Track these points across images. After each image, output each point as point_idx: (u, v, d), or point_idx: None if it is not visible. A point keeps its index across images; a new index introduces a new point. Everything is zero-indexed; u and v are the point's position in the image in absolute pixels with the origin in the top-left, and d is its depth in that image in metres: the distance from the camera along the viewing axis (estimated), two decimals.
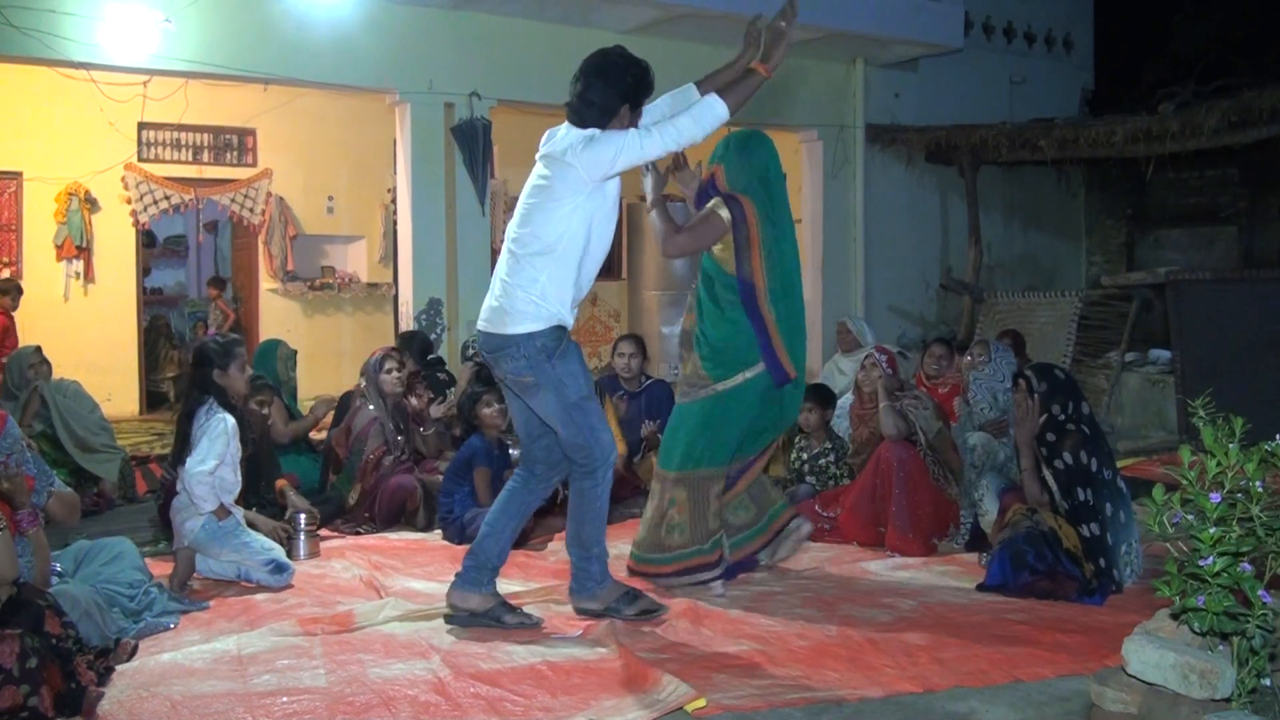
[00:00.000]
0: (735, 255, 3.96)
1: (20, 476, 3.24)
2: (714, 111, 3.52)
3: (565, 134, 3.62)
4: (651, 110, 3.75)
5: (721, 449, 4.05)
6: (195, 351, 4.43)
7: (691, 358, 4.15)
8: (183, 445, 4.23)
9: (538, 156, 3.67)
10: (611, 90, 3.55)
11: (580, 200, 3.52)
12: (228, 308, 10.79)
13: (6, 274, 9.21)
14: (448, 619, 3.69)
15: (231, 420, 4.23)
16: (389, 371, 5.55)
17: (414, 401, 5.69)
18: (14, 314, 8.29)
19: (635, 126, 3.61)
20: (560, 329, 3.56)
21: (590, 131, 3.55)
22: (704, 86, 3.78)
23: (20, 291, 8.50)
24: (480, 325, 3.67)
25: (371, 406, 5.51)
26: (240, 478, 4.33)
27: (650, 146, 3.51)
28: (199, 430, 4.16)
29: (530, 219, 3.57)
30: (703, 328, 4.11)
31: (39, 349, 6.11)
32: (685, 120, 3.51)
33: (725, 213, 3.98)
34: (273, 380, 5.88)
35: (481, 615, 3.64)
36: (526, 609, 3.77)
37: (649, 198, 4.13)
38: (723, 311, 4.04)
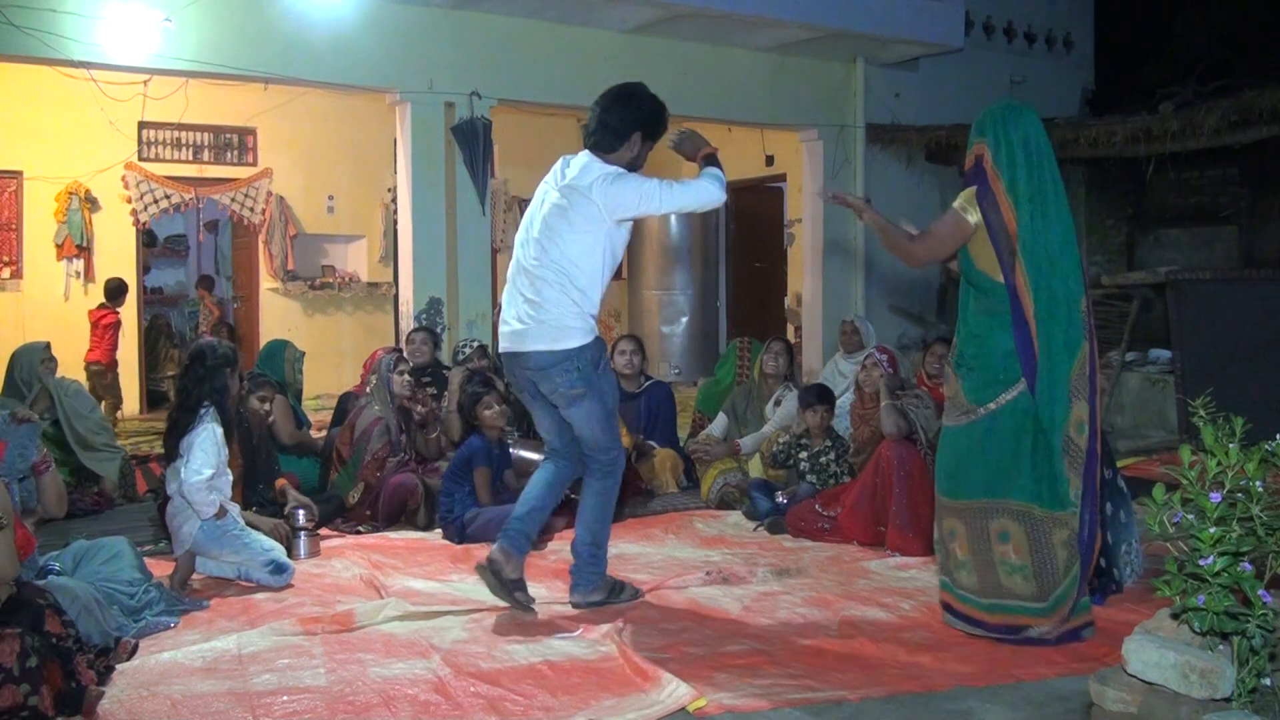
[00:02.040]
0: (998, 260, 3.37)
1: None
2: (721, 177, 3.81)
3: (586, 164, 3.78)
4: None
5: (1001, 477, 3.41)
6: (202, 350, 4.33)
7: (954, 378, 3.55)
8: (174, 449, 4.19)
9: (557, 184, 3.80)
10: (628, 115, 3.78)
11: (601, 234, 3.72)
12: (214, 305, 10.80)
13: (7, 272, 9.23)
14: (479, 567, 3.87)
15: (220, 430, 4.20)
16: (400, 373, 5.56)
17: (419, 409, 5.69)
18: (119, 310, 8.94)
19: (645, 157, 3.87)
20: (601, 341, 3.82)
21: (616, 170, 3.75)
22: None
23: (126, 289, 9.11)
24: (516, 347, 3.78)
25: (377, 407, 5.51)
26: (231, 474, 4.32)
27: (669, 201, 3.75)
28: (188, 440, 4.13)
29: (553, 248, 3.72)
30: (958, 341, 3.56)
31: (48, 345, 6.08)
32: (703, 183, 3.77)
33: (974, 216, 3.40)
34: (278, 380, 5.87)
35: (504, 583, 3.79)
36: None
37: (862, 216, 3.76)
38: (978, 321, 3.46)
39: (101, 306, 8.78)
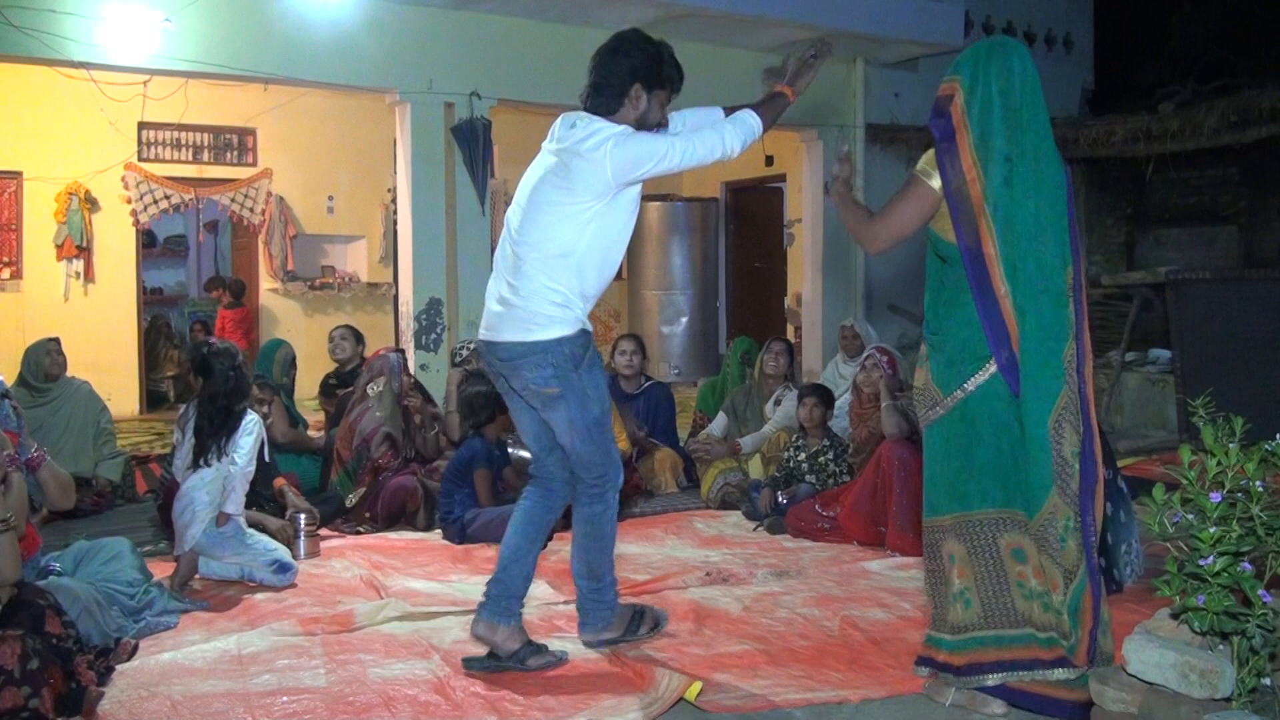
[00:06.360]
0: (953, 219, 2.89)
1: None
2: (748, 124, 3.31)
3: (588, 125, 3.26)
4: (677, 120, 3.47)
5: (992, 481, 2.89)
6: (227, 350, 4.34)
7: (922, 368, 3.06)
8: (208, 448, 4.19)
9: (553, 147, 3.31)
10: (620, 67, 3.29)
11: (600, 206, 3.21)
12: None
13: (7, 273, 9.23)
14: (468, 663, 3.33)
15: (259, 417, 4.40)
16: (407, 374, 5.56)
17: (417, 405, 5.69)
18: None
19: (659, 113, 3.34)
20: (587, 334, 3.27)
21: (623, 128, 3.24)
22: (730, 114, 3.51)
23: (245, 285, 10.44)
24: (489, 335, 3.32)
25: (379, 413, 5.49)
26: None
27: (688, 156, 3.22)
28: (235, 439, 4.21)
29: (542, 219, 3.23)
30: (927, 320, 3.06)
31: (58, 340, 6.04)
32: (725, 128, 3.28)
33: (936, 181, 2.93)
34: (270, 381, 5.88)
35: (507, 660, 3.30)
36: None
37: (830, 186, 3.30)
38: (945, 295, 2.98)
39: (231, 306, 10.08)
